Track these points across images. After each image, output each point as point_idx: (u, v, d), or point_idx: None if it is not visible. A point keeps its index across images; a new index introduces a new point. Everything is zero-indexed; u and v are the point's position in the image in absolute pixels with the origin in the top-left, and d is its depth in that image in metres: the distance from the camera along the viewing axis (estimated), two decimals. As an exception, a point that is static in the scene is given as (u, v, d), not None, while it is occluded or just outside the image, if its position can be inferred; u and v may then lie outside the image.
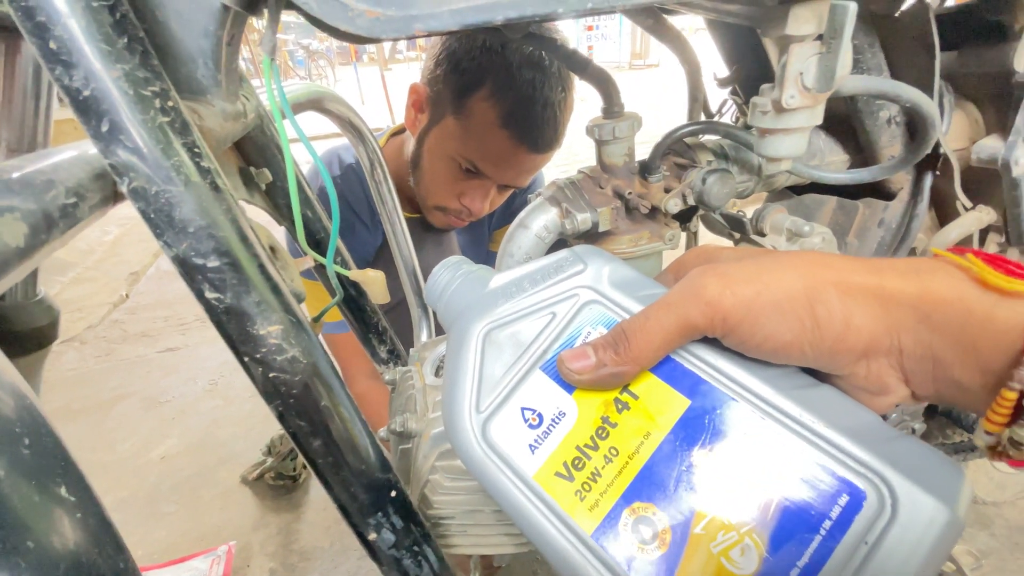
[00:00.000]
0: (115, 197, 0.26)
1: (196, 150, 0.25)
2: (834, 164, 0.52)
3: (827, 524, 0.20)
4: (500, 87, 0.73)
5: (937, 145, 0.48)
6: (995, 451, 0.21)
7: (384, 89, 5.96)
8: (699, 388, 0.24)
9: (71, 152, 0.24)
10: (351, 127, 0.68)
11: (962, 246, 0.49)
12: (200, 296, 0.25)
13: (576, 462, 0.24)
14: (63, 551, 0.24)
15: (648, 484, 0.23)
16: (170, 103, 0.24)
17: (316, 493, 1.33)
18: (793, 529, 0.20)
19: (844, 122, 0.52)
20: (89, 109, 0.22)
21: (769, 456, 0.22)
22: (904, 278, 0.22)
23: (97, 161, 0.24)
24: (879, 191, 0.54)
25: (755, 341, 0.23)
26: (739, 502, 0.21)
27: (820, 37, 0.31)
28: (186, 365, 1.91)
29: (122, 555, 0.27)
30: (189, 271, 0.24)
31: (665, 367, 0.25)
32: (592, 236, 0.47)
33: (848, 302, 0.22)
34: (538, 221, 0.46)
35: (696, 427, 0.23)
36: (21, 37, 0.42)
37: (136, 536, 1.26)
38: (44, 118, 0.50)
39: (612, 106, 0.45)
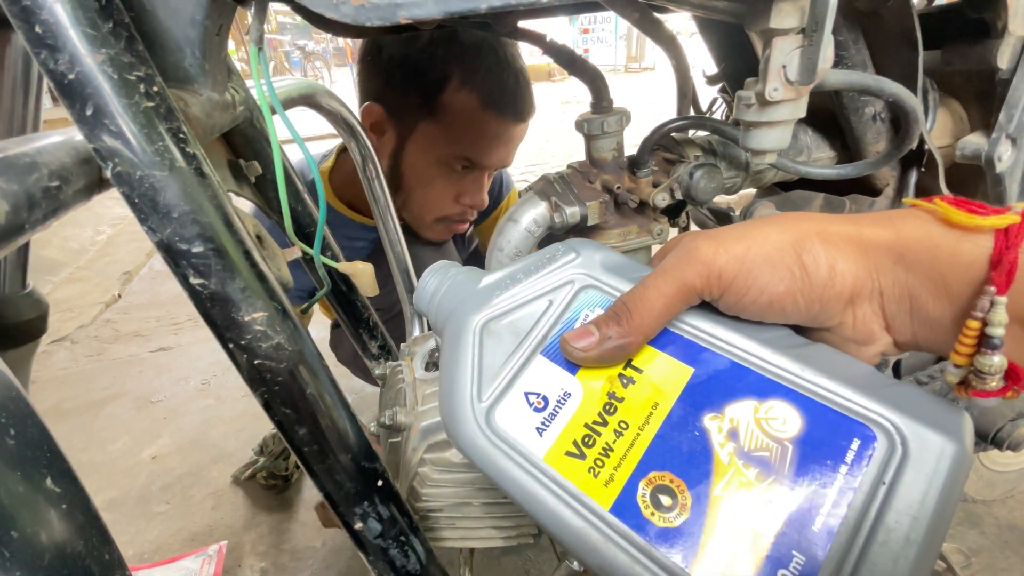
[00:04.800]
0: (101, 184, 0.26)
1: (181, 136, 0.25)
2: (821, 160, 0.53)
3: (843, 469, 0.21)
4: (470, 73, 0.72)
5: (922, 142, 0.49)
6: (963, 387, 0.22)
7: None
8: (701, 356, 0.24)
9: (57, 137, 0.24)
10: (343, 123, 0.68)
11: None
12: (184, 282, 0.25)
13: (586, 439, 0.24)
14: (48, 542, 0.24)
15: (662, 452, 0.23)
16: (155, 88, 0.24)
17: (308, 493, 1.32)
18: (812, 478, 0.21)
19: (831, 119, 0.52)
20: (74, 93, 0.22)
21: (778, 413, 0.22)
22: (879, 225, 0.23)
23: (83, 146, 0.24)
24: (866, 187, 0.55)
25: (751, 296, 0.23)
26: (755, 459, 0.22)
27: (803, 31, 0.32)
28: (178, 364, 1.89)
29: (108, 546, 0.27)
30: (173, 256, 0.24)
31: (665, 339, 0.25)
32: (581, 230, 0.48)
33: (831, 249, 0.23)
34: (527, 215, 0.46)
35: (703, 392, 0.24)
36: (12, 30, 0.42)
37: (127, 536, 1.25)
38: (34, 110, 0.50)
39: (601, 101, 0.45)
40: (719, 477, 0.22)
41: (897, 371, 0.66)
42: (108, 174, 0.24)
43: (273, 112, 0.35)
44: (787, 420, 0.22)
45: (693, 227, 0.60)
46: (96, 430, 1.60)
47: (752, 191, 0.61)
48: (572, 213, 0.45)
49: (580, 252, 0.30)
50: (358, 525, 0.33)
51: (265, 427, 1.46)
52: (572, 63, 0.45)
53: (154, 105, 0.23)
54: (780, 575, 0.20)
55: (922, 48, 0.43)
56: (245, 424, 1.55)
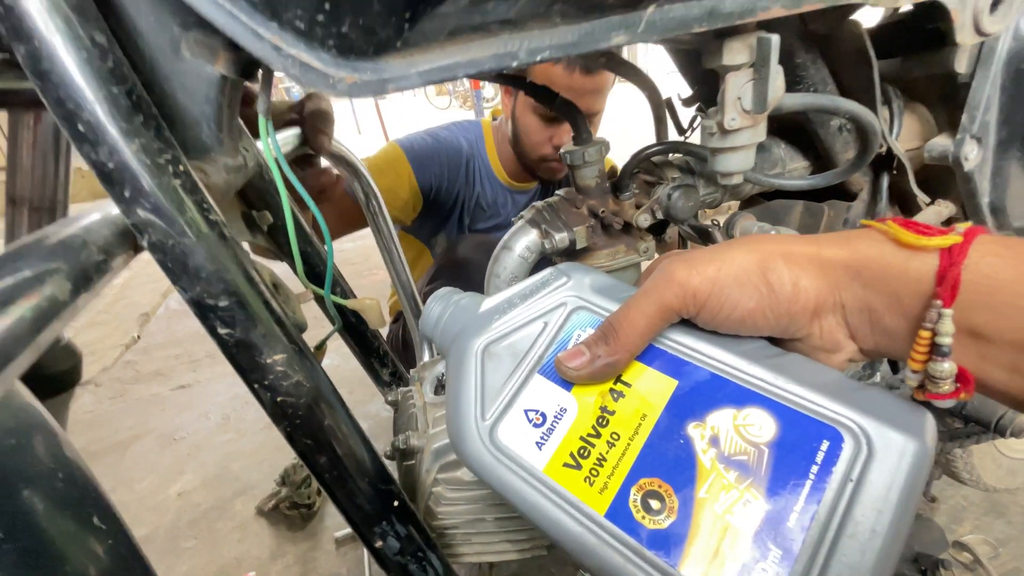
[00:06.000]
0: (136, 249, 0.30)
1: (205, 206, 0.28)
2: (796, 170, 0.56)
3: (814, 469, 0.22)
4: None
5: (890, 147, 0.52)
6: (921, 390, 0.24)
7: (379, 118, 6.09)
8: (684, 369, 0.27)
9: (97, 215, 0.28)
10: (345, 163, 0.72)
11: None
12: (213, 332, 0.28)
13: (582, 451, 0.26)
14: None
15: (651, 460, 0.25)
16: (181, 167, 0.27)
17: (331, 520, 1.34)
18: (786, 478, 0.23)
19: (803, 130, 0.55)
20: (113, 179, 0.26)
21: (754, 419, 0.24)
22: (837, 245, 0.25)
23: (120, 220, 0.28)
24: (842, 193, 0.57)
25: (724, 313, 0.26)
26: (735, 463, 0.24)
27: (754, 65, 0.35)
28: (199, 401, 1.94)
29: (146, 579, 0.30)
30: (203, 311, 0.28)
31: (651, 355, 0.27)
32: (572, 253, 0.51)
33: (794, 268, 0.25)
34: (520, 243, 0.50)
35: (686, 403, 0.26)
36: (44, 109, 0.46)
37: (158, 572, 1.28)
38: (64, 177, 0.55)
39: (581, 133, 0.49)
40: (702, 481, 0.24)
41: (895, 367, 0.67)
42: (144, 243, 0.27)
43: (277, 163, 0.38)
44: (763, 426, 0.24)
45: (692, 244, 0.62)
46: (123, 470, 1.64)
47: (737, 202, 0.63)
48: (561, 239, 0.48)
49: (571, 276, 0.32)
50: (378, 543, 0.35)
51: (285, 458, 1.49)
52: (551, 100, 0.49)
53: (181, 182, 0.27)
54: (759, 568, 0.21)
55: (876, 61, 0.46)
56: (265, 456, 1.58)
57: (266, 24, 0.26)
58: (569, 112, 0.48)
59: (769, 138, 0.55)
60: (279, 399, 0.30)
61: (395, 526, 0.36)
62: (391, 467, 0.41)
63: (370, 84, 0.28)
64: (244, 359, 0.29)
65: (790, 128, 0.55)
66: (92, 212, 0.29)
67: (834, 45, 0.47)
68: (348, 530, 1.10)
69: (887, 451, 0.22)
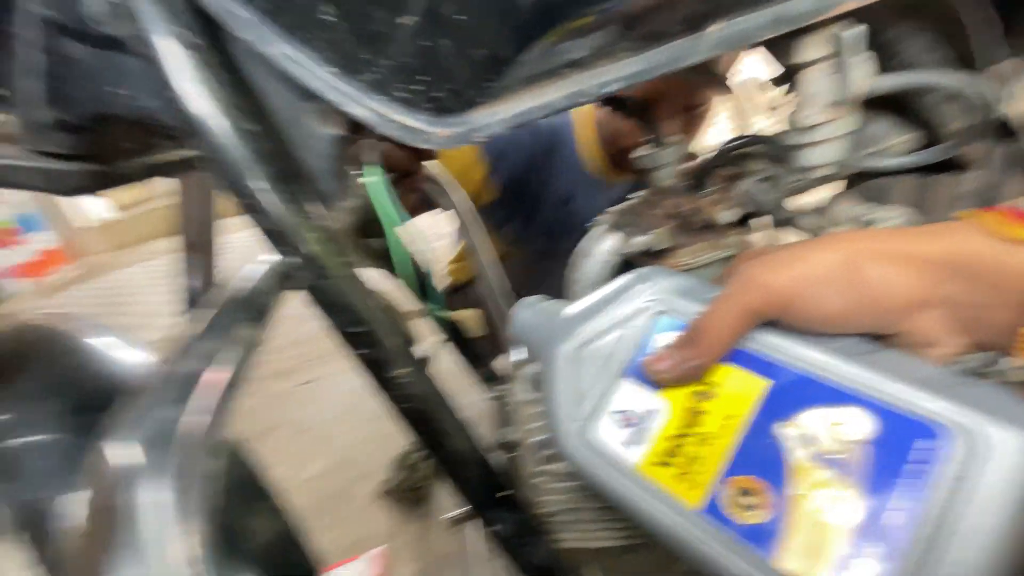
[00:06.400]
0: (289, 289, 0.37)
1: (339, 250, 0.35)
2: (899, 146, 0.52)
3: (914, 467, 0.22)
4: None
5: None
6: None
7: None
8: (771, 369, 0.27)
9: (262, 265, 0.35)
10: (433, 183, 0.79)
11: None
12: (356, 352, 0.35)
13: (673, 450, 0.27)
14: (266, 546, 0.35)
15: (743, 459, 0.25)
16: (322, 224, 0.34)
17: (441, 503, 1.46)
18: (883, 477, 0.22)
19: (906, 103, 0.51)
20: (274, 236, 0.33)
21: (848, 418, 0.24)
22: (929, 241, 0.25)
23: (280, 267, 0.35)
24: (953, 163, 0.52)
25: (810, 314, 0.26)
26: (829, 461, 0.24)
27: (832, 56, 0.34)
28: (321, 395, 2.18)
29: (304, 549, 0.38)
30: (347, 337, 0.34)
31: (738, 356, 0.28)
32: (654, 254, 0.52)
33: (884, 264, 0.25)
34: (600, 248, 0.52)
35: (776, 403, 0.26)
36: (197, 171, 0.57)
37: (301, 546, 1.47)
38: (211, 219, 0.67)
39: (655, 135, 0.50)
40: (796, 478, 0.24)
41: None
42: (297, 285, 0.34)
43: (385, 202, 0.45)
44: (857, 424, 0.24)
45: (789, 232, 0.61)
46: (263, 457, 1.90)
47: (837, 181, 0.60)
48: (641, 241, 0.49)
49: (652, 280, 0.33)
50: (494, 527, 0.40)
51: (397, 446, 1.64)
52: (621, 107, 0.50)
53: (319, 235, 0.34)
54: (855, 564, 0.22)
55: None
56: (381, 444, 1.75)
57: (374, 98, 0.32)
58: (641, 114, 0.50)
59: (864, 114, 0.52)
60: (406, 406, 0.36)
61: (506, 513, 0.41)
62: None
63: (461, 135, 0.32)
64: (378, 374, 0.35)
65: (893, 100, 0.51)
66: (259, 264, 0.36)
67: (938, 10, 0.43)
68: (456, 512, 1.19)
69: (1002, 450, 0.21)
